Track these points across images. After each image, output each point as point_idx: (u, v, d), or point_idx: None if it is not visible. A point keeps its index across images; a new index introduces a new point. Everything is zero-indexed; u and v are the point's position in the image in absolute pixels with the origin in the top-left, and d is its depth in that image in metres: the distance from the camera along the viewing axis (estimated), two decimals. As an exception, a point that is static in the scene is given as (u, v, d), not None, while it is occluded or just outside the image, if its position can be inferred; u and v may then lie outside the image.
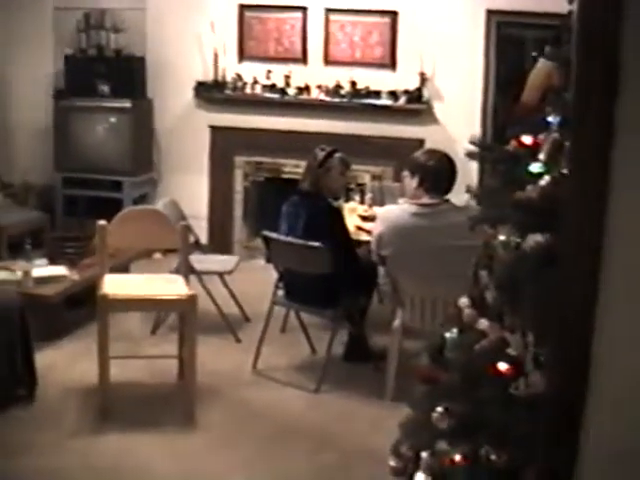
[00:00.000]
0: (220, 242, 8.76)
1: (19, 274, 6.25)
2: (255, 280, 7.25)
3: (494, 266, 2.90)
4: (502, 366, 2.66)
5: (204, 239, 8.61)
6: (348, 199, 7.45)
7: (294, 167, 8.26)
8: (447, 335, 3.13)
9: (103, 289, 5.22)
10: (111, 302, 5.13)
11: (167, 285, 5.40)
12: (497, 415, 2.62)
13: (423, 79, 8.07)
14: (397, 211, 5.50)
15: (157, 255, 8.17)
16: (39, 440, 4.85)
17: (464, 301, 3.10)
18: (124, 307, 5.39)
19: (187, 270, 5.66)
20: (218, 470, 4.63)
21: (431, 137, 8.05)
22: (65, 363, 5.87)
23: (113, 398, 5.19)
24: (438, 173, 5.40)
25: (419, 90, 8.09)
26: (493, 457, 2.58)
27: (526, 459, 2.50)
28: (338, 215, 5.86)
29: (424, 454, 2.90)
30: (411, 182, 5.48)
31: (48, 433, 4.93)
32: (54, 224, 8.65)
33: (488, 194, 3.13)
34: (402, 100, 8.14)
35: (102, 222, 5.45)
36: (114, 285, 5.29)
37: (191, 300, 5.20)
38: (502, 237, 2.81)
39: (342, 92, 8.27)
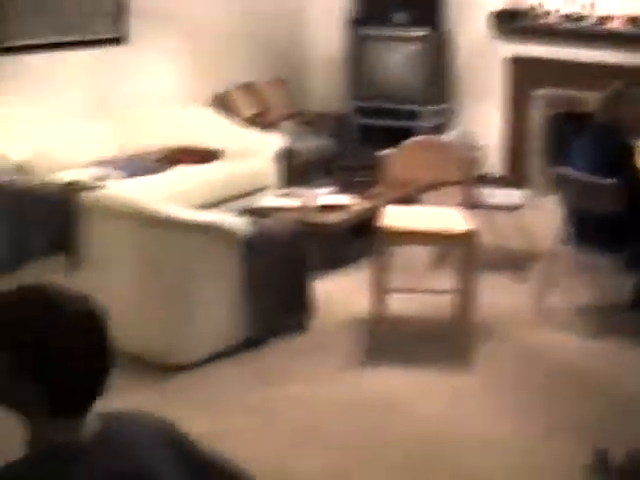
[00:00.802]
0: (514, 176, 8.47)
1: (304, 201, 6.26)
2: (545, 217, 6.93)
3: None
4: None
5: (497, 172, 8.38)
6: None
7: (593, 101, 7.81)
8: None
9: (382, 220, 5.12)
10: (388, 234, 5.04)
11: (447, 219, 5.24)
12: None
13: None
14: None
15: (449, 187, 7.98)
16: (310, 370, 4.86)
17: None
18: (401, 240, 5.26)
19: (471, 203, 5.47)
20: (489, 413, 4.46)
21: None
22: (343, 293, 5.85)
23: (387, 331, 5.12)
24: None
25: None
26: None
27: None
28: (634, 151, 5.46)
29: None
30: None
31: (319, 363, 4.93)
32: (347, 153, 8.65)
33: None
34: None
35: (385, 151, 5.34)
36: (394, 217, 5.19)
37: (470, 235, 5.02)
38: None
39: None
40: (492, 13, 8.33)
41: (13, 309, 1.83)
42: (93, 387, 1.86)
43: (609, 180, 5.12)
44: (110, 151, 6.99)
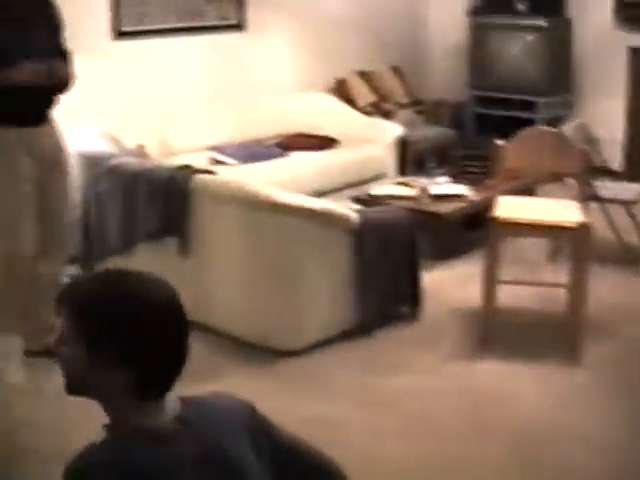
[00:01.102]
0: (637, 169, 8.28)
1: (418, 190, 6.25)
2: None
3: None
4: None
5: (618, 165, 8.21)
6: None
7: None
8: None
9: (495, 211, 5.07)
10: (501, 225, 4.98)
11: (560, 211, 5.15)
12: None
13: None
14: None
15: (565, 179, 7.87)
16: (417, 360, 4.85)
17: None
18: (514, 231, 5.19)
19: (585, 196, 5.39)
20: (595, 411, 4.36)
21: None
22: (453, 284, 5.82)
23: (496, 323, 5.07)
24: None
25: None
26: None
27: None
28: None
29: None
30: None
31: (427, 354, 4.91)
32: (464, 142, 8.59)
33: None
34: None
35: (499, 141, 5.29)
36: (507, 208, 5.12)
37: (584, 229, 4.92)
38: None
39: None
40: (616, 1, 8.15)
41: (97, 295, 1.86)
42: (175, 370, 1.90)
43: None
44: (226, 136, 7.08)
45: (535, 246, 6.33)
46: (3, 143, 4.39)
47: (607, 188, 6.35)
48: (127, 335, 1.82)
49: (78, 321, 1.83)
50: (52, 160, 4.59)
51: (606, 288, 5.62)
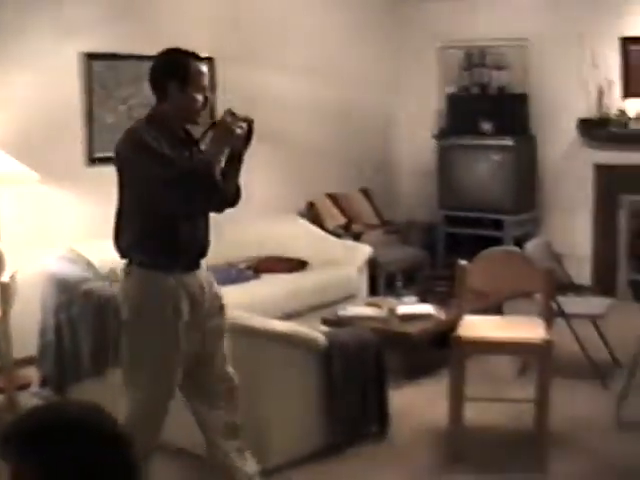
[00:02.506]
0: (604, 284, 8.41)
1: (385, 310, 6.34)
2: (634, 324, 6.88)
3: None
4: None
5: (585, 281, 8.33)
6: None
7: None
8: None
9: (458, 330, 5.16)
10: (465, 344, 5.07)
11: (525, 328, 5.24)
12: None
13: None
14: None
15: (530, 296, 7.97)
16: (386, 479, 4.85)
17: None
18: (478, 349, 5.28)
19: (549, 313, 5.47)
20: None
21: None
22: (422, 403, 5.86)
23: (464, 441, 5.10)
24: None
25: None
26: None
27: None
28: None
29: None
30: None
31: (394, 473, 4.92)
32: (435, 262, 8.74)
33: None
34: None
35: (462, 262, 5.40)
36: (472, 327, 5.22)
37: (547, 345, 5.01)
38: None
39: None
40: (579, 120, 8.37)
41: (49, 430, 1.81)
42: None
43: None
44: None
45: (505, 362, 6.39)
46: (168, 288, 4.12)
47: (573, 303, 6.45)
48: (81, 465, 1.78)
49: (35, 460, 1.77)
50: (209, 303, 4.41)
51: (573, 401, 5.69)
